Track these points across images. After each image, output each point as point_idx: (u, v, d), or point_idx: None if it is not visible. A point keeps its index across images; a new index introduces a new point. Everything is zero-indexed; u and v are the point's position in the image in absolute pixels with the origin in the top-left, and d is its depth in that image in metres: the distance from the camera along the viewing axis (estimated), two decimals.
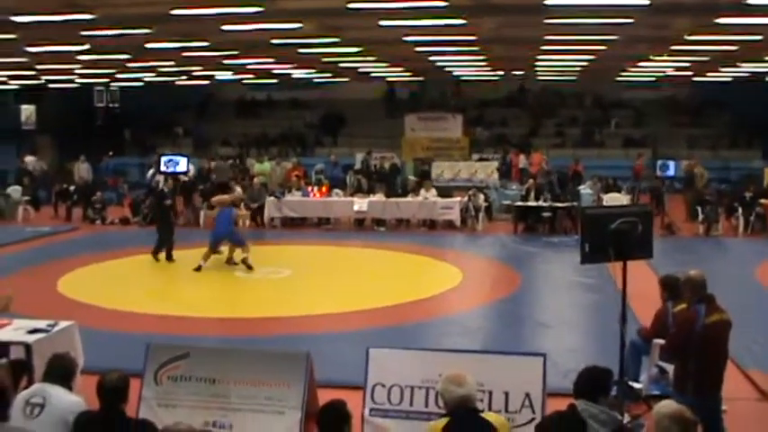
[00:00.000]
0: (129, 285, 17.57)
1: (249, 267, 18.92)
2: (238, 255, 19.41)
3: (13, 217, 28.28)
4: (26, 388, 7.58)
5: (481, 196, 26.53)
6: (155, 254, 20.23)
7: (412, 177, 30.85)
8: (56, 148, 41.37)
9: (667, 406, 5.82)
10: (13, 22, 20.23)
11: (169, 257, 20.23)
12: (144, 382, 8.75)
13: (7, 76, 37.55)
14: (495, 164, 35.33)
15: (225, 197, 21.68)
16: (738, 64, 32.51)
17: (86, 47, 25.75)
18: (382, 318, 14.50)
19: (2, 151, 39.59)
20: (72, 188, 29.49)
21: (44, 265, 19.50)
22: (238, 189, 25.09)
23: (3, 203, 28.99)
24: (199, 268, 18.76)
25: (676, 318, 8.73)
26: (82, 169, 32.45)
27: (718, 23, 20.35)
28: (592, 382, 6.52)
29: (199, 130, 45.68)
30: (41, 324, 9.78)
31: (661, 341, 9.02)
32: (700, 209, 24.58)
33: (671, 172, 26.48)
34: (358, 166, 34.25)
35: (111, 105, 41.68)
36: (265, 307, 15.58)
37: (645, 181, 30.75)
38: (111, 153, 38.22)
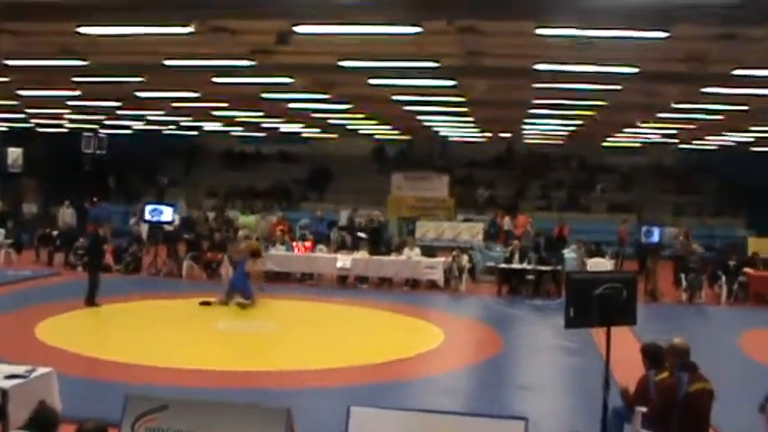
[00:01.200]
0: (108, 333, 17.44)
1: (241, 307, 20.52)
2: (239, 300, 20.75)
3: None
4: None
5: (465, 257, 26.51)
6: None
7: (396, 239, 30.80)
8: (41, 191, 41.24)
9: None
10: (6, 65, 20.31)
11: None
12: None
13: None
14: (481, 225, 35.31)
15: (242, 247, 22.03)
16: (724, 133, 32.87)
17: (78, 93, 25.85)
18: (363, 375, 14.40)
19: None
20: (55, 233, 29.34)
21: (23, 310, 19.30)
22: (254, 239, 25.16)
23: None
24: (207, 303, 20.61)
25: (658, 386, 8.71)
26: (66, 214, 32.34)
27: (704, 93, 20.60)
28: None
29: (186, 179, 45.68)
30: (19, 370, 9.65)
31: (643, 408, 8.98)
32: (684, 276, 24.65)
33: (655, 238, 26.56)
34: (343, 222, 34.22)
35: (98, 152, 41.70)
36: (247, 361, 15.45)
37: (630, 246, 30.82)
38: (95, 199, 38.08)
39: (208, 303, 20.81)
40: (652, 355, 9.52)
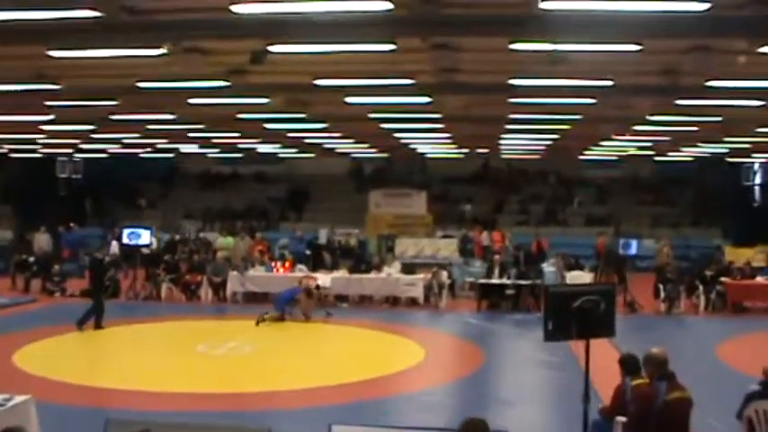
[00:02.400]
0: (88, 359, 17.33)
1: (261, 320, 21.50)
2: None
3: None
4: None
5: (444, 273, 26.53)
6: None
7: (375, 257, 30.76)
8: (16, 217, 40.99)
9: None
10: None
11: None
12: None
13: None
14: (456, 241, 35.31)
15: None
16: (699, 144, 33.08)
17: (51, 117, 25.72)
18: (344, 394, 14.36)
19: None
20: (31, 259, 29.14)
21: (0, 338, 19.16)
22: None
23: None
24: (263, 320, 21.59)
25: (635, 392, 8.74)
26: (42, 240, 32.11)
27: (678, 104, 20.72)
28: None
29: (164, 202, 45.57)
30: None
31: (623, 418, 8.99)
32: (662, 287, 24.74)
33: (633, 250, 26.68)
34: (323, 241, 34.18)
35: (74, 176, 41.54)
36: (227, 382, 15.37)
37: (607, 259, 30.90)
38: (71, 224, 37.89)
39: (263, 320, 21.56)
40: (629, 366, 9.54)
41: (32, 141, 35.15)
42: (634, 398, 8.81)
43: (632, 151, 37.24)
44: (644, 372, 8.55)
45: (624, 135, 29.42)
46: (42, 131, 30.73)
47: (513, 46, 14.40)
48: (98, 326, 20.50)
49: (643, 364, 8.60)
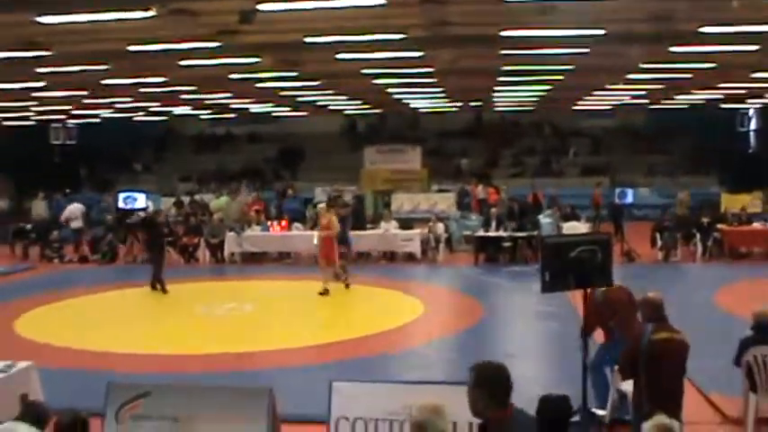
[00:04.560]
0: (88, 324, 17.34)
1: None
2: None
3: None
4: None
5: (440, 226, 26.55)
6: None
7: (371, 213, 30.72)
8: (11, 186, 40.93)
9: (651, 421, 5.83)
10: None
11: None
12: (105, 422, 8.61)
13: None
14: (453, 195, 35.35)
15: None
16: (693, 91, 32.99)
17: (43, 83, 25.60)
18: (344, 351, 14.43)
19: None
20: (29, 227, 29.14)
21: (1, 305, 19.22)
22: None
23: None
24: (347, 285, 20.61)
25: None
26: (39, 207, 32.09)
27: (671, 52, 20.64)
28: (554, 410, 6.51)
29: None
30: None
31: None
32: (658, 235, 24.79)
33: (629, 199, 26.71)
34: (321, 198, 34.07)
35: (67, 142, 41.42)
36: (227, 343, 15.41)
37: (604, 208, 30.94)
38: (67, 191, 37.88)
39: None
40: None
41: (25, 109, 35.02)
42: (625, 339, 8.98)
43: (626, 100, 37.17)
44: (640, 316, 8.58)
45: (618, 83, 29.33)
46: (34, 98, 30.62)
47: None
48: (153, 286, 20.63)
49: (639, 307, 8.63)
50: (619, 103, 38.99)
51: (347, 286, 20.66)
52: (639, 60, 22.86)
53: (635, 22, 17.88)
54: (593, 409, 9.54)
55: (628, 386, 8.57)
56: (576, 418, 7.66)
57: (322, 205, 22.27)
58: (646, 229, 25.98)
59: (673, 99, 36.60)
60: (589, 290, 9.12)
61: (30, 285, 22.63)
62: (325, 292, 19.76)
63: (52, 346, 14.91)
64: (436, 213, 30.27)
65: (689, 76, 26.34)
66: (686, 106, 39.88)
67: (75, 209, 28.48)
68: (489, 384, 5.49)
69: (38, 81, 25.02)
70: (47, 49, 19.21)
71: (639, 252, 24.68)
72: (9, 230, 29.69)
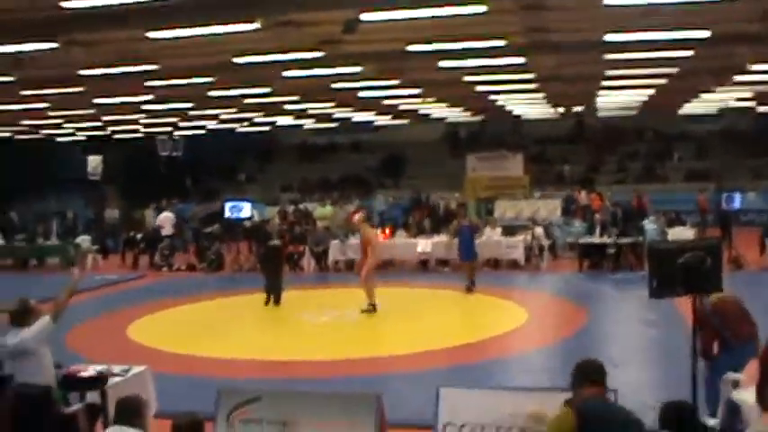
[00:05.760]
0: (198, 330, 17.69)
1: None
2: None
3: (82, 266, 28.63)
4: None
5: (540, 230, 26.37)
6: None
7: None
8: (121, 197, 42.05)
9: None
10: (81, 75, 20.74)
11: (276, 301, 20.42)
12: (216, 426, 8.80)
13: (75, 129, 38.41)
14: (558, 201, 35.04)
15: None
16: None
17: (150, 97, 26.27)
18: (450, 357, 14.46)
19: (69, 201, 40.45)
20: (139, 236, 29.87)
21: (114, 313, 19.74)
22: None
23: (72, 252, 29.41)
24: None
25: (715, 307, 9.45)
26: (150, 217, 32.96)
27: None
28: (678, 415, 6.45)
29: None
30: (116, 369, 9.89)
31: (734, 375, 8.83)
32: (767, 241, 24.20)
33: (737, 204, 26.12)
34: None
35: (174, 153, 42.33)
36: (334, 349, 15.56)
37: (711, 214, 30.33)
38: (174, 201, 38.64)
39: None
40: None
41: (134, 122, 35.97)
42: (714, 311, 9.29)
43: (732, 103, 36.39)
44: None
45: (724, 85, 28.73)
46: (143, 111, 31.42)
47: (606, 1, 14.21)
48: (273, 299, 20.44)
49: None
50: (725, 105, 38.19)
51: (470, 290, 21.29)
52: (747, 61, 22.39)
53: (741, 23, 17.55)
54: (704, 419, 9.38)
55: (740, 396, 8.41)
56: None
57: (358, 216, 21.72)
58: (752, 235, 25.38)
59: None
60: (697, 299, 9.02)
61: (140, 293, 23.22)
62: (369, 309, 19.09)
63: (163, 352, 15.28)
64: (538, 220, 30.06)
65: None
66: None
67: (164, 217, 29.73)
68: None
69: (146, 94, 25.68)
70: (154, 63, 19.74)
71: (748, 258, 24.12)
72: (120, 240, 30.50)
